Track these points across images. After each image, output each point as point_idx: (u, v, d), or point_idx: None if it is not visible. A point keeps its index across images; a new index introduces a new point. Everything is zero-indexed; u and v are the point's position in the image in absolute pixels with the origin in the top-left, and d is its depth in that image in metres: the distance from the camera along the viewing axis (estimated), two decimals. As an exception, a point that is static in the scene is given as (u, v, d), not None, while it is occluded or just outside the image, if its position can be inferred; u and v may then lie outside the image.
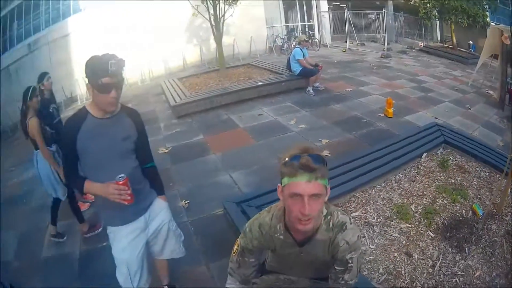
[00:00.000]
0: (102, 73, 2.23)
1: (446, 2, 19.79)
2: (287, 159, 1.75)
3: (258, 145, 6.77)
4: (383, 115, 8.34)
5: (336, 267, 2.01)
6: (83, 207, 5.04)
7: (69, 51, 13.83)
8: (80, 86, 13.48)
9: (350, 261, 1.96)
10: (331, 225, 1.96)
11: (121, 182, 2.30)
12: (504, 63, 11.02)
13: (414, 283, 3.43)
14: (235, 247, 2.18)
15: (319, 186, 1.71)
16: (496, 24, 16.31)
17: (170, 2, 12.76)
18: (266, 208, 2.12)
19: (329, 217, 1.97)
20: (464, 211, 4.49)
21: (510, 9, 21.96)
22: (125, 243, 2.62)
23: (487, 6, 20.59)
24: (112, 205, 2.41)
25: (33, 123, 4.23)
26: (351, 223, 2.00)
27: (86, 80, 2.32)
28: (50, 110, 4.82)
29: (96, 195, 2.47)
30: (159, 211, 2.85)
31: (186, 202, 4.89)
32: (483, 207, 4.52)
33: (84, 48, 13.37)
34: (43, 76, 5.01)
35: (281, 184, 1.79)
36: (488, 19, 20.68)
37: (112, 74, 2.26)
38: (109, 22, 14.29)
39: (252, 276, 2.24)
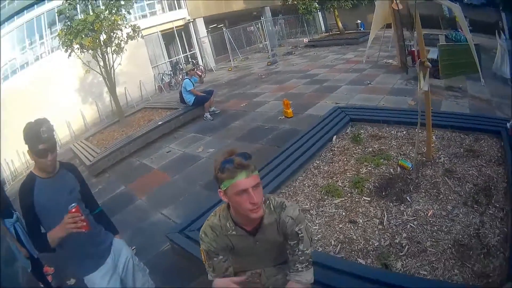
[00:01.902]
0: (37, 141, 2.42)
1: None
2: (220, 165, 1.95)
3: (176, 179, 6.90)
4: (284, 117, 8.65)
5: (290, 242, 2.20)
6: (50, 270, 4.88)
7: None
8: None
9: (299, 232, 2.16)
10: (272, 208, 2.19)
11: (73, 210, 2.38)
12: (399, 29, 11.71)
13: (370, 242, 3.57)
14: (202, 256, 2.27)
15: (256, 176, 1.97)
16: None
17: (61, 63, 12.48)
18: (212, 213, 2.29)
19: (267, 202, 2.20)
20: (392, 170, 4.74)
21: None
22: (104, 286, 2.75)
23: None
24: (80, 254, 2.67)
25: None
26: (288, 201, 2.26)
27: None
28: None
29: (59, 238, 2.49)
30: (121, 248, 3.01)
31: (133, 248, 4.80)
32: (410, 160, 4.80)
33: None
34: None
35: (222, 188, 1.99)
36: None
37: (45, 140, 2.44)
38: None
39: (229, 270, 2.30)
